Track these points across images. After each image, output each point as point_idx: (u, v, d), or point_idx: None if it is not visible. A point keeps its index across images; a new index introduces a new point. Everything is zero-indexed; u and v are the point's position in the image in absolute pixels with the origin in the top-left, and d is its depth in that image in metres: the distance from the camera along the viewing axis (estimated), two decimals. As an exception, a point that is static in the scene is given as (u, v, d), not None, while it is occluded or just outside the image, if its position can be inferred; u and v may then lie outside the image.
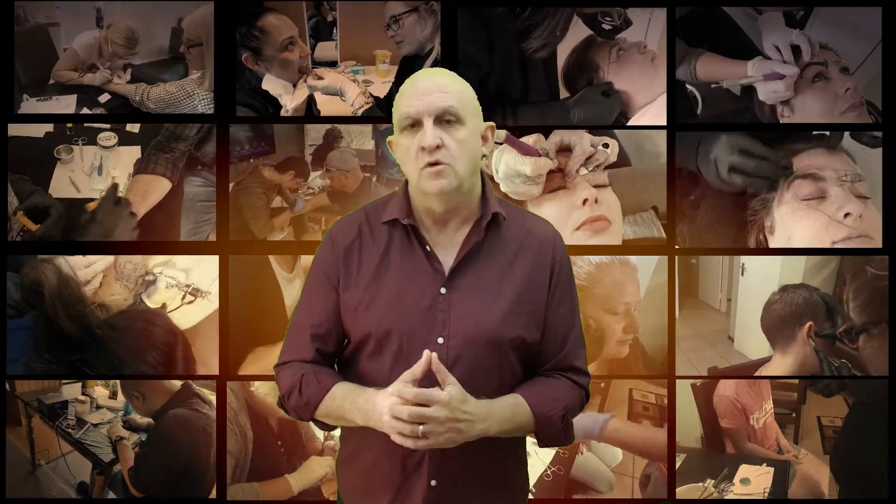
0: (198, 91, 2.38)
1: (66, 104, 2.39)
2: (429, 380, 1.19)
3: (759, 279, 2.33)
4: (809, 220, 1.87)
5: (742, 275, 2.35)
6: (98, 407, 2.46)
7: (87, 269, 2.27)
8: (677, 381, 2.33)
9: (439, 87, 1.25)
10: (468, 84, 1.30)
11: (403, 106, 1.26)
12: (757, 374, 2.33)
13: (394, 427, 1.17)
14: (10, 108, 2.39)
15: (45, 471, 2.41)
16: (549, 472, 2.30)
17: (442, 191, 1.23)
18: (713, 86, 1.70)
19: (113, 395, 2.45)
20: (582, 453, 2.34)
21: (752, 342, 2.34)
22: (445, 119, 1.24)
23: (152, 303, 2.33)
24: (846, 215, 1.78)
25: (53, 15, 2.40)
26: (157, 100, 2.39)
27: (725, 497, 2.26)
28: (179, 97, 2.38)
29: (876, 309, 2.18)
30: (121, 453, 2.41)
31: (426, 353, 1.17)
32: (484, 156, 1.31)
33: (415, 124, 1.25)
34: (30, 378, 2.37)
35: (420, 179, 1.25)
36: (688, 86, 1.95)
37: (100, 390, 2.44)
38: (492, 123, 1.33)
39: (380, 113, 2.36)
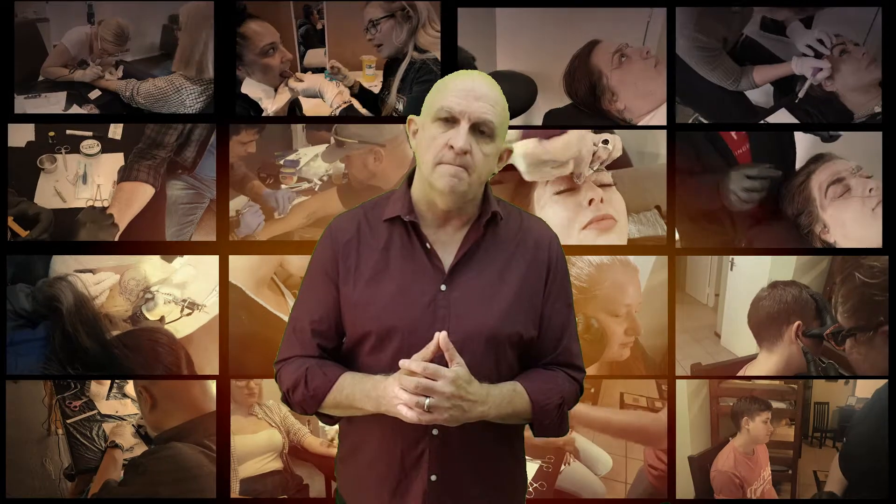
0: (186, 85, 2.30)
1: (55, 101, 2.29)
2: (437, 362, 1.18)
3: (748, 274, 2.32)
4: (850, 208, 2.18)
5: (731, 269, 2.34)
6: (123, 395, 2.32)
7: (96, 285, 2.27)
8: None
9: (488, 97, 1.24)
10: (507, 105, 1.29)
11: (446, 99, 1.23)
12: (742, 372, 2.31)
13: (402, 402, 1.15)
14: (10, 108, 2.30)
15: (53, 441, 2.30)
16: (530, 489, 2.24)
17: (452, 190, 1.22)
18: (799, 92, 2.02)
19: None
20: (568, 464, 2.29)
21: (740, 339, 2.33)
22: (480, 129, 1.22)
23: (152, 316, 2.30)
24: (870, 190, 2.14)
25: (43, 11, 2.29)
26: (146, 95, 2.32)
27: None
28: (168, 91, 2.31)
29: (863, 316, 2.24)
30: (104, 463, 2.27)
31: (437, 334, 1.15)
32: (493, 173, 1.30)
33: (450, 120, 1.22)
34: (30, 378, 2.29)
35: (433, 173, 1.23)
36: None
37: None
38: (510, 147, 1.31)
39: (358, 112, 2.31)
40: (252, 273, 2.25)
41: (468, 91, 1.22)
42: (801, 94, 1.93)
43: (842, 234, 2.21)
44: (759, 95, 2.09)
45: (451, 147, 1.20)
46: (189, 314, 2.28)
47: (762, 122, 2.14)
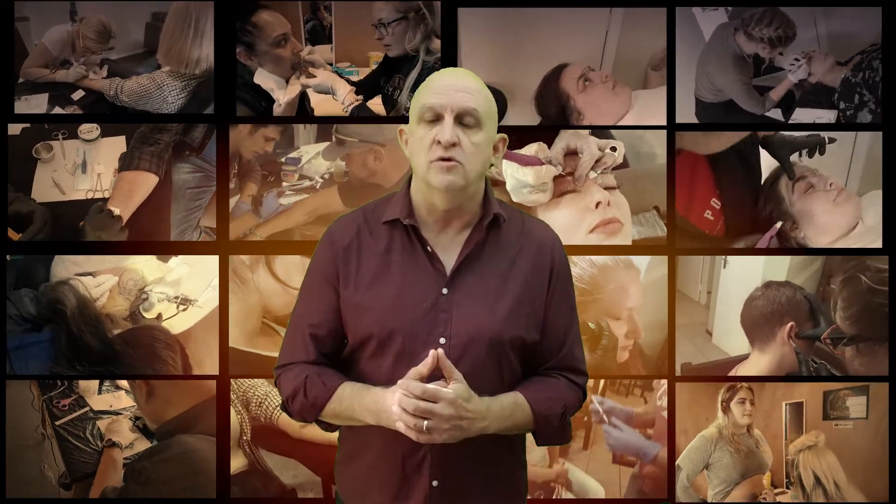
0: (168, 81, 2.16)
1: (36, 104, 2.12)
2: (433, 377, 1.15)
3: (742, 273, 2.28)
4: (816, 201, 2.28)
5: (724, 267, 2.30)
6: (117, 388, 2.20)
7: (97, 288, 2.18)
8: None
9: (466, 87, 1.19)
10: (490, 93, 1.24)
11: (427, 98, 1.19)
12: (733, 372, 2.28)
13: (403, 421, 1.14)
14: (10, 107, 2.14)
15: (48, 446, 2.18)
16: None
17: (449, 186, 1.17)
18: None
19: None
20: (559, 496, 2.22)
21: (732, 338, 2.29)
22: (465, 120, 1.18)
23: (149, 315, 2.20)
24: (830, 185, 2.29)
25: (23, 9, 2.09)
26: (129, 93, 2.18)
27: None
28: (150, 88, 2.18)
29: (867, 324, 2.21)
30: (102, 466, 2.15)
31: (433, 352, 1.13)
32: (492, 165, 1.25)
33: (435, 118, 1.18)
34: (27, 378, 2.18)
35: (428, 172, 1.18)
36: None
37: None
38: (504, 135, 1.26)
39: (370, 111, 2.20)
40: (240, 329, 2.17)
41: (447, 86, 1.18)
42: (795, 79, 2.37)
43: (812, 227, 2.26)
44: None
45: (439, 142, 1.16)
46: (184, 310, 2.18)
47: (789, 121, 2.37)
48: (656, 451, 2.22)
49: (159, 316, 2.18)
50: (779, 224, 2.27)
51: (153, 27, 2.19)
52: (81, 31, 2.14)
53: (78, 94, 2.15)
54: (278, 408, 2.12)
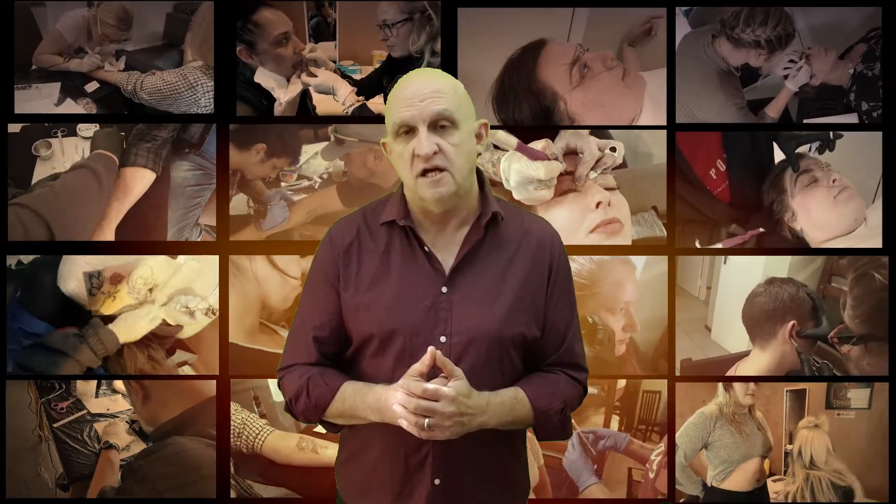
0: (202, 80, 2.06)
1: (47, 93, 2.05)
2: (432, 373, 1.14)
3: (742, 269, 2.24)
4: (816, 196, 2.16)
5: (724, 263, 2.25)
6: (114, 391, 2.11)
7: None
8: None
9: (433, 91, 1.15)
10: (460, 83, 1.20)
11: (396, 112, 1.16)
12: (733, 369, 2.21)
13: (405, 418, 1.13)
14: (10, 107, 2.07)
15: (45, 448, 2.10)
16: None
17: (440, 198, 1.16)
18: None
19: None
20: None
21: (731, 334, 2.23)
22: (440, 124, 1.15)
23: (172, 320, 2.12)
24: (833, 181, 2.15)
25: None
26: (152, 90, 2.07)
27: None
28: (179, 88, 2.06)
29: (878, 322, 2.15)
30: (100, 467, 2.07)
31: (430, 349, 1.12)
32: (479, 154, 1.22)
33: (409, 130, 1.16)
34: (28, 378, 2.09)
35: (417, 186, 1.16)
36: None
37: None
38: (485, 121, 1.23)
39: (371, 112, 2.16)
40: (240, 325, 2.10)
41: (414, 95, 1.15)
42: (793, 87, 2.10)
43: (807, 221, 2.19)
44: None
45: (419, 155, 1.14)
46: (213, 316, 2.11)
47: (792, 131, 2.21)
48: (590, 484, 2.13)
49: (178, 326, 2.10)
50: (761, 230, 2.17)
51: (175, 18, 2.08)
52: (100, 16, 2.03)
53: (92, 86, 2.06)
54: (260, 434, 2.07)
